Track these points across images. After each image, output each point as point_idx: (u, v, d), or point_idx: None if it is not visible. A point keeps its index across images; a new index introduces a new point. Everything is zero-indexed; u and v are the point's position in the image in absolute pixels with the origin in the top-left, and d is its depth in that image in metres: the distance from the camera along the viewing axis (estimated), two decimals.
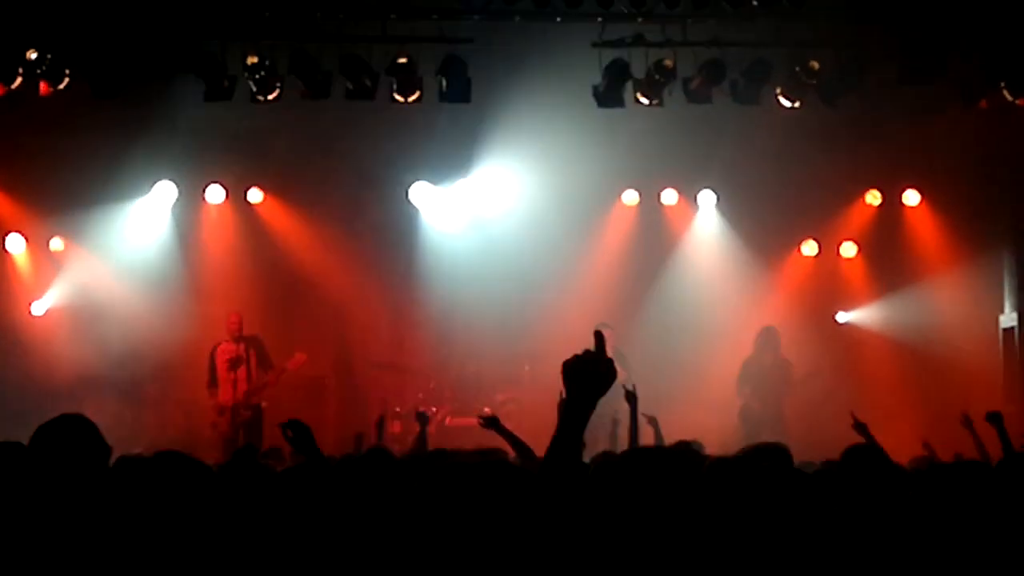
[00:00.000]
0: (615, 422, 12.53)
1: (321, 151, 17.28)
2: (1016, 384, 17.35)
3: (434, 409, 17.17)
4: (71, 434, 4.85)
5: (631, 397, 10.01)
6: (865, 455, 6.06)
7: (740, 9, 14.34)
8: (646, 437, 10.73)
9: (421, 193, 18.03)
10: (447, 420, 17.26)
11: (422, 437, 10.91)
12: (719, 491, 4.07)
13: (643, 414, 10.70)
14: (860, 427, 9.47)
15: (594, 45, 14.98)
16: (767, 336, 17.06)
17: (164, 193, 17.96)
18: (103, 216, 17.66)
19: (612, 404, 13.81)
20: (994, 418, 9.42)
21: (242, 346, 16.51)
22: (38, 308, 17.85)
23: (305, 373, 17.10)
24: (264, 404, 16.55)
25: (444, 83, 14.89)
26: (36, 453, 4.78)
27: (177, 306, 17.74)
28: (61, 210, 17.61)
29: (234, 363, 16.40)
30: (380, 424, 11.69)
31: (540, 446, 10.48)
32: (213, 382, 16.54)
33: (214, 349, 16.63)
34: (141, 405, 17.48)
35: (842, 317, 18.45)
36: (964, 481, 4.86)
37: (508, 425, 17.26)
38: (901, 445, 10.75)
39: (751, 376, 16.86)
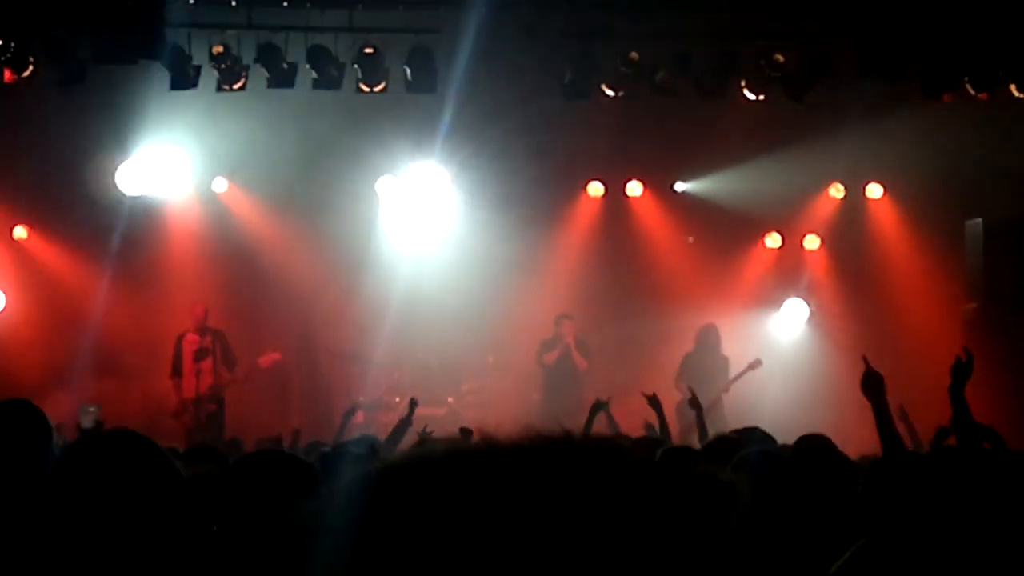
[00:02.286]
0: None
1: (286, 141, 17.20)
2: (979, 376, 17.40)
3: (397, 399, 17.20)
4: (10, 419, 4.91)
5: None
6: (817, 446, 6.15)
7: (706, 1, 14.41)
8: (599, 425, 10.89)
9: (384, 184, 18.00)
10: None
11: (406, 422, 10.93)
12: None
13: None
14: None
15: (561, 36, 15.01)
16: (707, 334, 17.02)
17: (128, 182, 17.84)
18: (66, 204, 17.56)
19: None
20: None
21: (208, 338, 16.40)
22: None
23: (271, 364, 17.04)
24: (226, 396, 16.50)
25: (410, 73, 14.90)
26: None
27: (139, 296, 17.68)
28: (24, 199, 17.52)
29: (200, 354, 16.29)
30: (348, 415, 11.70)
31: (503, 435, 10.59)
32: (177, 372, 16.43)
33: (180, 338, 16.52)
34: (102, 397, 17.38)
35: (803, 307, 18.42)
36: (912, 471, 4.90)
37: (472, 415, 17.40)
38: (864, 438, 10.83)
39: (690, 373, 16.73)
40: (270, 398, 17.26)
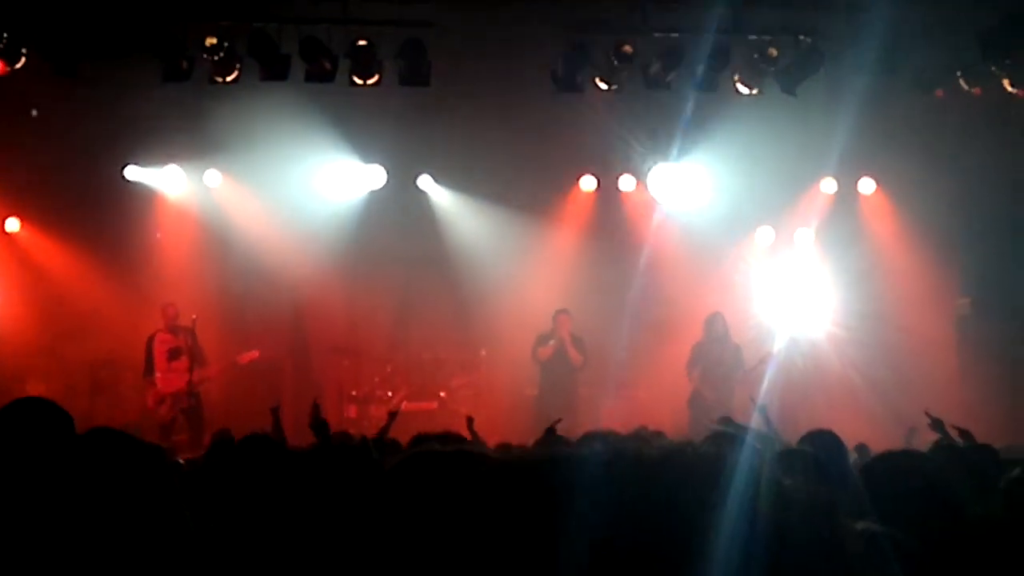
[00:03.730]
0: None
1: (279, 134, 17.16)
2: (971, 369, 17.48)
3: (390, 393, 17.19)
4: (33, 418, 4.83)
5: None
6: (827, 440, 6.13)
7: None
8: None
9: (377, 177, 17.98)
10: (403, 405, 17.23)
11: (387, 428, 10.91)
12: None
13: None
14: (936, 424, 9.23)
15: (553, 29, 14.97)
16: (714, 323, 16.89)
17: (122, 174, 17.82)
18: (60, 197, 17.53)
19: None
20: (936, 425, 9.34)
21: (180, 336, 16.33)
22: None
23: (261, 357, 16.97)
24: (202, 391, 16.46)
25: (403, 66, 14.85)
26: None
27: (132, 290, 17.65)
28: (17, 191, 17.49)
29: (174, 353, 16.25)
30: (276, 412, 11.49)
31: (496, 431, 10.54)
32: (149, 371, 16.35)
33: (151, 338, 16.43)
34: (96, 389, 17.37)
35: (796, 304, 18.38)
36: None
37: (464, 410, 17.40)
38: (857, 432, 10.83)
39: (701, 359, 16.64)
40: (262, 391, 17.22)
